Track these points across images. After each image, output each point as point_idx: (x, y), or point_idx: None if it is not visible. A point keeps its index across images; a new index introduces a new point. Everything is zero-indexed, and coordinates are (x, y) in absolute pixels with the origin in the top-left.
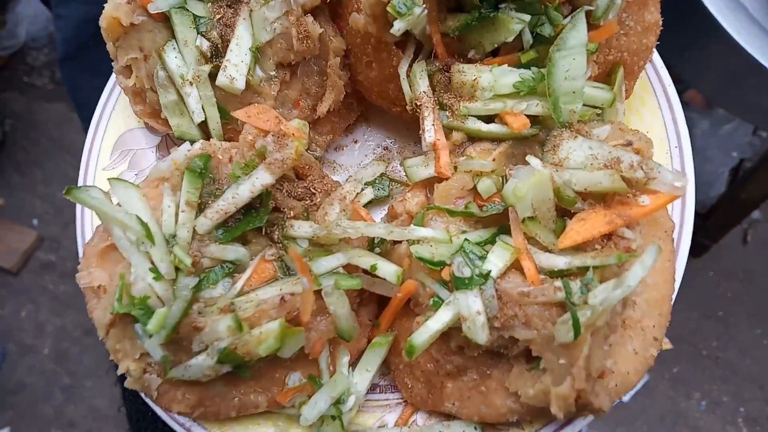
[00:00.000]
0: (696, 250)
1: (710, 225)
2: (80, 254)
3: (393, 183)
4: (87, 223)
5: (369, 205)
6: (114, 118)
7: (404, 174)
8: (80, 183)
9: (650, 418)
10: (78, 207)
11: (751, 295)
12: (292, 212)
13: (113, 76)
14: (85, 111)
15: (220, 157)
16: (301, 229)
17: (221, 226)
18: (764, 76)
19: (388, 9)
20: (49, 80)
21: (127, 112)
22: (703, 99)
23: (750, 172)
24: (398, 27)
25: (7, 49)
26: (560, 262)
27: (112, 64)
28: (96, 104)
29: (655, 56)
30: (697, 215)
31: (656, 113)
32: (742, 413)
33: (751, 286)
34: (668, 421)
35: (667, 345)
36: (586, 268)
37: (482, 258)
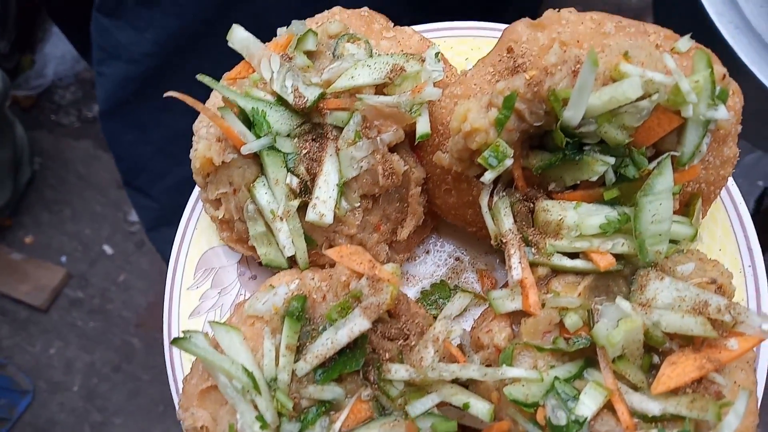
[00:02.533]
0: None
1: None
2: (172, 387)
3: (464, 294)
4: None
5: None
6: (196, 237)
7: (475, 285)
8: (166, 303)
9: None
10: (165, 324)
11: None
12: (387, 354)
13: (194, 194)
14: (124, 164)
15: (314, 297)
16: (398, 373)
17: (318, 367)
18: None
19: (479, 161)
20: (76, 119)
21: (208, 231)
22: None
23: None
24: (489, 177)
25: (36, 88)
26: (654, 408)
27: (200, 194)
28: (135, 157)
29: None
30: None
31: (729, 232)
32: None
33: None
34: None
35: None
36: (681, 417)
37: (575, 398)
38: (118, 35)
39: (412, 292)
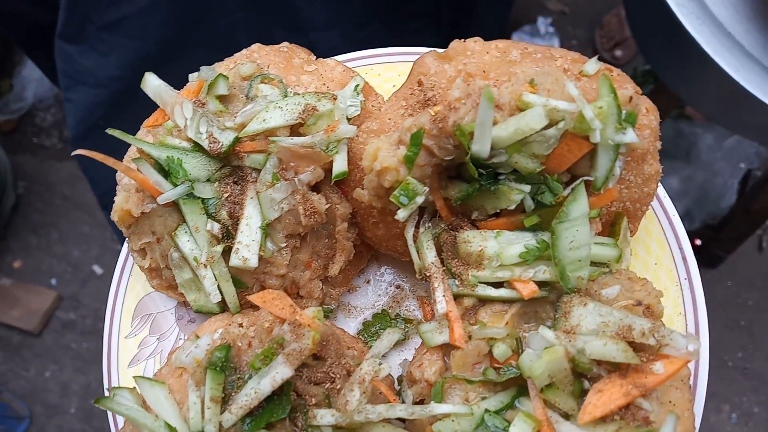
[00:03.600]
0: (711, 262)
1: (724, 236)
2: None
3: (407, 324)
4: None
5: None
6: (132, 283)
7: (417, 312)
8: (104, 353)
9: None
10: (105, 375)
11: None
12: (313, 399)
13: (126, 245)
14: (99, 188)
15: (240, 344)
16: (324, 418)
17: (246, 416)
18: (758, 102)
19: (391, 199)
20: (58, 140)
21: (144, 277)
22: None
23: (760, 182)
24: (402, 215)
25: (15, 112)
26: None
27: (126, 243)
28: (109, 182)
29: (659, 189)
30: (710, 227)
31: (663, 244)
32: None
33: None
34: None
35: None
36: None
37: (504, 430)
38: (83, 61)
39: (354, 323)
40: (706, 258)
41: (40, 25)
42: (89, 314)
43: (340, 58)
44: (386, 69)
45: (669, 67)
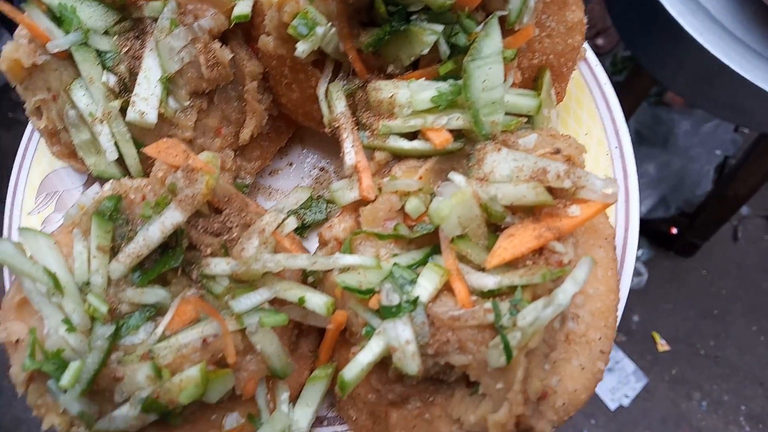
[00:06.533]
0: (687, 250)
1: (699, 224)
2: None
3: (330, 205)
4: (6, 277)
5: (307, 230)
6: (37, 158)
7: None
8: (5, 230)
9: (652, 421)
10: None
11: (745, 291)
12: (209, 249)
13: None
14: None
15: (132, 197)
16: (218, 266)
17: (137, 269)
18: (732, 76)
19: (289, 31)
20: None
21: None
22: (682, 99)
23: (735, 169)
24: (302, 49)
25: None
26: (490, 281)
27: (24, 105)
28: None
29: (590, 54)
30: (686, 215)
31: (594, 114)
32: (743, 411)
33: (745, 283)
34: (670, 423)
35: (664, 347)
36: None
37: (413, 282)
38: None
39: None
40: (682, 246)
41: None
42: None
43: None
44: None
45: (644, 46)
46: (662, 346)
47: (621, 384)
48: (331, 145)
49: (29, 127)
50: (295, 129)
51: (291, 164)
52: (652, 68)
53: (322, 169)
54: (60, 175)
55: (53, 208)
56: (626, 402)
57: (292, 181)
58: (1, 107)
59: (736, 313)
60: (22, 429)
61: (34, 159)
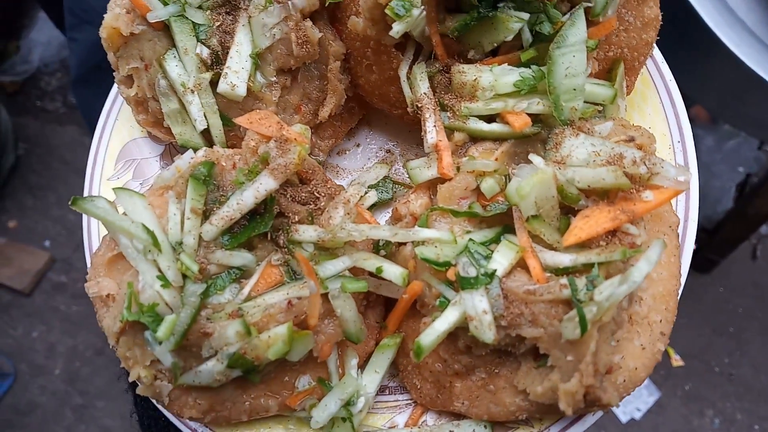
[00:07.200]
0: (705, 266)
1: (718, 240)
2: (88, 264)
3: (396, 186)
4: (94, 235)
5: (373, 208)
6: (117, 128)
7: (407, 177)
8: (86, 194)
9: None
10: (84, 219)
11: (762, 310)
12: (296, 217)
13: (116, 87)
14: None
15: (224, 164)
16: (306, 233)
17: (227, 233)
18: (765, 89)
19: (387, 11)
20: (61, 104)
21: (130, 122)
22: (707, 115)
23: (757, 187)
24: (397, 29)
25: (21, 74)
26: (565, 259)
27: (114, 74)
28: None
29: (656, 51)
30: (705, 231)
31: (658, 109)
32: (756, 431)
33: (761, 302)
34: None
35: (678, 362)
36: (592, 265)
37: (487, 257)
38: None
39: (343, 183)
40: (700, 262)
41: None
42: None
43: None
44: None
45: (675, 55)
46: (676, 361)
47: (633, 397)
48: (397, 129)
49: (111, 97)
50: (366, 111)
51: (358, 145)
52: (677, 78)
53: (388, 151)
54: (138, 144)
55: (131, 176)
56: (638, 415)
57: (359, 162)
58: (30, 96)
59: (752, 332)
60: (37, 413)
61: (114, 128)
